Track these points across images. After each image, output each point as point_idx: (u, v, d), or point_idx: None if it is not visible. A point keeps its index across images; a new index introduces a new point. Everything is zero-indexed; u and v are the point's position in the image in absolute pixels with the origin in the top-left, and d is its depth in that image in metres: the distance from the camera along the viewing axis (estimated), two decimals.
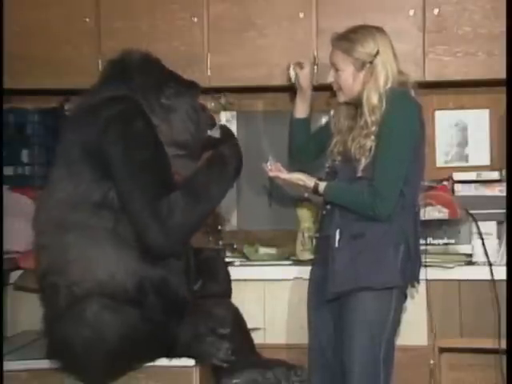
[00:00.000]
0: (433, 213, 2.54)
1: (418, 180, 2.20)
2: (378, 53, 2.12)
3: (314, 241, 2.39)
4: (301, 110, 2.39)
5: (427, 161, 2.74)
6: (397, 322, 2.16)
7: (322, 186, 2.16)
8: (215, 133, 2.09)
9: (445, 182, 2.69)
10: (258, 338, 2.25)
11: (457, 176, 2.66)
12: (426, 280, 2.38)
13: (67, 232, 1.88)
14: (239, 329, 2.09)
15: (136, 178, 1.88)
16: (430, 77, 2.65)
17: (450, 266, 2.41)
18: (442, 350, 2.44)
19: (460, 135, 2.87)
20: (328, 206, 2.22)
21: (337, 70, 2.18)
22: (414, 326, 2.30)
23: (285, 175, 2.25)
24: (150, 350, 1.93)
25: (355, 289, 2.10)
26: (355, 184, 2.12)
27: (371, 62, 2.12)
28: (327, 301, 2.15)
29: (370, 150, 2.09)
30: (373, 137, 2.09)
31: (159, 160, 1.94)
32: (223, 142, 2.06)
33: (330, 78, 2.22)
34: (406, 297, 2.20)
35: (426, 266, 2.31)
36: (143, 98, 1.99)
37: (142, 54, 2.06)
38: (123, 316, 1.86)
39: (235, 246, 2.74)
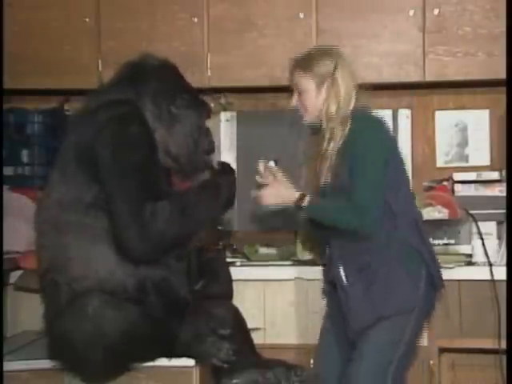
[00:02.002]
0: (433, 213, 2.54)
1: (406, 192, 2.17)
2: (336, 67, 2.15)
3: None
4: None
5: (427, 161, 2.88)
6: (413, 343, 2.13)
7: (306, 201, 2.11)
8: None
9: (445, 183, 2.70)
10: (257, 338, 2.25)
11: (457, 176, 2.66)
12: None
13: (65, 232, 1.90)
14: (239, 329, 2.09)
15: (122, 179, 1.88)
16: (430, 77, 2.67)
17: (450, 266, 2.40)
18: (442, 350, 2.44)
19: (460, 135, 2.88)
20: (327, 252, 2.18)
21: (299, 92, 2.21)
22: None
23: (271, 189, 2.17)
24: (150, 348, 1.92)
25: (376, 320, 2.07)
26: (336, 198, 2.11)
27: (330, 77, 2.15)
28: (351, 338, 2.11)
29: (332, 157, 2.11)
30: (331, 145, 2.11)
31: (149, 166, 1.94)
32: (221, 174, 2.08)
33: (293, 102, 2.23)
34: (430, 312, 2.18)
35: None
36: (152, 103, 1.99)
37: (160, 59, 2.06)
38: (124, 312, 1.87)
39: (235, 247, 2.74)
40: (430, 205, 2.56)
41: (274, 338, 2.47)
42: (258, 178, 2.19)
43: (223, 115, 2.88)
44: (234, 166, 2.71)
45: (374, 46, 2.66)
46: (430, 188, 2.71)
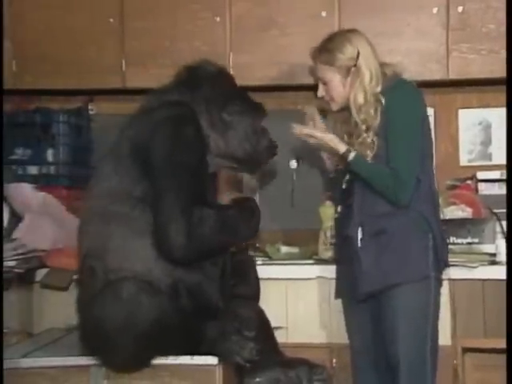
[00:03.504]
0: (456, 212, 2.54)
1: (430, 165, 2.22)
2: (358, 54, 2.16)
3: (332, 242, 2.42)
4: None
5: (451, 159, 2.86)
6: (438, 310, 2.18)
7: (353, 154, 2.16)
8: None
9: (468, 181, 2.69)
10: (280, 337, 2.25)
11: (480, 175, 2.66)
12: (450, 279, 2.38)
13: (109, 221, 1.93)
14: (263, 329, 2.11)
15: (175, 178, 1.91)
16: (453, 75, 2.66)
17: (474, 265, 2.40)
18: (466, 350, 2.42)
19: (483, 134, 2.86)
20: (339, 209, 2.23)
21: (324, 83, 2.23)
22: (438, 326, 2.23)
23: (318, 133, 2.22)
24: (178, 340, 1.93)
25: (386, 287, 2.12)
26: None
27: (355, 65, 2.16)
28: (359, 301, 2.17)
29: (373, 143, 2.14)
30: (370, 133, 2.14)
31: (201, 170, 1.99)
32: (251, 201, 2.14)
33: (320, 93, 2.25)
34: (441, 283, 2.21)
35: (449, 265, 2.31)
36: (206, 109, 2.05)
37: (218, 67, 2.14)
38: (158, 300, 1.89)
39: (258, 245, 2.72)
40: (454, 204, 2.55)
41: (297, 336, 2.46)
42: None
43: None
44: None
45: (396, 43, 2.64)
46: (453, 187, 2.70)
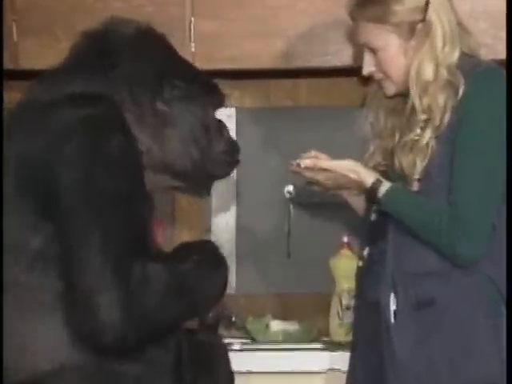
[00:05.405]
0: None
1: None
2: (428, 3, 1.90)
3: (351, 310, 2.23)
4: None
5: None
6: None
7: (385, 186, 1.91)
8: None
9: None
10: None
11: None
12: None
13: None
14: None
15: (99, 217, 1.68)
16: None
17: None
18: None
19: None
20: (365, 252, 1.98)
21: (373, 51, 1.97)
22: None
23: (327, 163, 1.98)
24: None
25: None
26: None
27: (423, 20, 1.89)
28: None
29: (427, 147, 1.89)
30: (428, 130, 1.89)
31: (138, 203, 1.74)
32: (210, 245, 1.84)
33: (367, 69, 1.98)
34: None
35: None
36: (129, 98, 1.80)
37: (138, 27, 1.85)
38: None
39: (234, 319, 2.45)
40: None
41: None
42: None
43: (219, 111, 2.63)
44: (233, 178, 2.65)
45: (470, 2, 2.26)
46: None
